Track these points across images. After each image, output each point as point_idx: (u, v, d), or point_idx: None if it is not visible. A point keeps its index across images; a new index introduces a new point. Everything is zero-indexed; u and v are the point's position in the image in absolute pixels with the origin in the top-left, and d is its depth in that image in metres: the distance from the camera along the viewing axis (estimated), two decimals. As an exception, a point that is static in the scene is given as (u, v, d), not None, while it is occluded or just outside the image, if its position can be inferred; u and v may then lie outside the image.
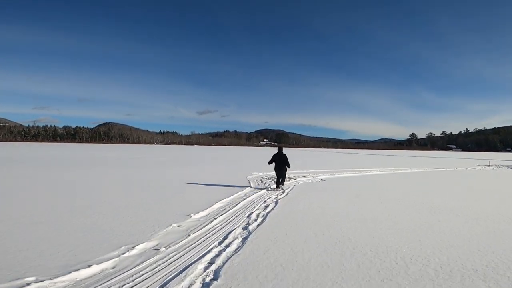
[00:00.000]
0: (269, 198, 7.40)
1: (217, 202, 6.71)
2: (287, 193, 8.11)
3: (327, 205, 6.66)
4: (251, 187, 9.10)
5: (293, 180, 10.91)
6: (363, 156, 39.59)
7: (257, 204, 6.62)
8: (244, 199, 7.13)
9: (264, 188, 8.92)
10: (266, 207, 6.39)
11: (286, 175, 9.58)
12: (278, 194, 8.03)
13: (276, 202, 6.84)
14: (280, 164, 9.28)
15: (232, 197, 7.42)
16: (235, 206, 6.41)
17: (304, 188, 9.23)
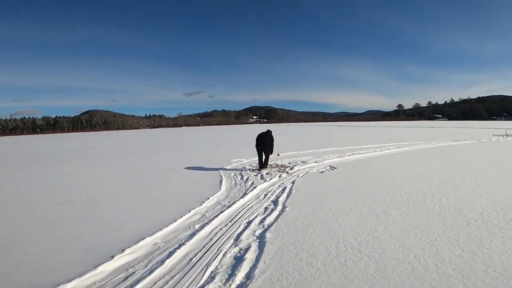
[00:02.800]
0: (248, 225, 3.67)
1: (124, 251, 2.95)
2: (284, 206, 4.40)
3: (394, 257, 3.01)
4: (221, 192, 5.36)
5: (290, 171, 7.22)
6: (362, 129, 36.19)
7: (215, 256, 2.89)
8: (194, 234, 3.38)
9: (245, 194, 5.17)
10: (234, 272, 2.66)
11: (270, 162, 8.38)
12: (265, 216, 4.31)
13: (261, 246, 3.13)
14: (260, 146, 7.75)
15: (172, 226, 3.66)
16: (162, 263, 2.68)
17: (311, 189, 5.54)
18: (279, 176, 6.63)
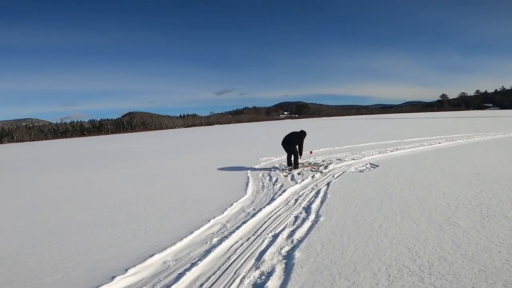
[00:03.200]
0: (274, 240, 3.05)
1: (127, 271, 2.53)
2: (317, 215, 3.70)
3: None
4: (246, 197, 4.81)
5: (324, 170, 6.43)
6: (403, 122, 33.32)
7: (230, 283, 2.31)
8: (210, 251, 2.86)
9: (273, 199, 4.57)
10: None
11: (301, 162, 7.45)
12: (294, 228, 3.65)
13: (288, 270, 2.49)
14: (286, 145, 7.09)
15: (187, 240, 3.19)
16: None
17: (350, 193, 4.74)
18: (312, 177, 5.90)
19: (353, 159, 7.66)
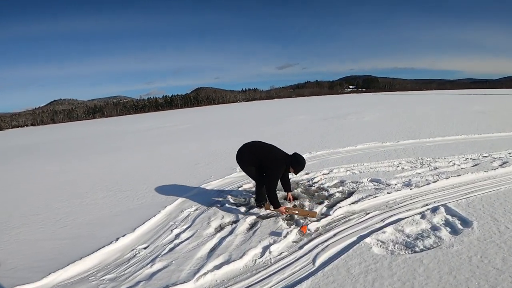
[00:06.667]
0: None
1: None
2: None
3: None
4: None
5: (318, 222, 2.70)
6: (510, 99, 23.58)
7: None
8: None
9: None
10: None
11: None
12: None
13: None
14: (240, 159, 3.23)
15: None
16: None
17: None
18: (265, 249, 2.26)
19: (407, 185, 3.52)
